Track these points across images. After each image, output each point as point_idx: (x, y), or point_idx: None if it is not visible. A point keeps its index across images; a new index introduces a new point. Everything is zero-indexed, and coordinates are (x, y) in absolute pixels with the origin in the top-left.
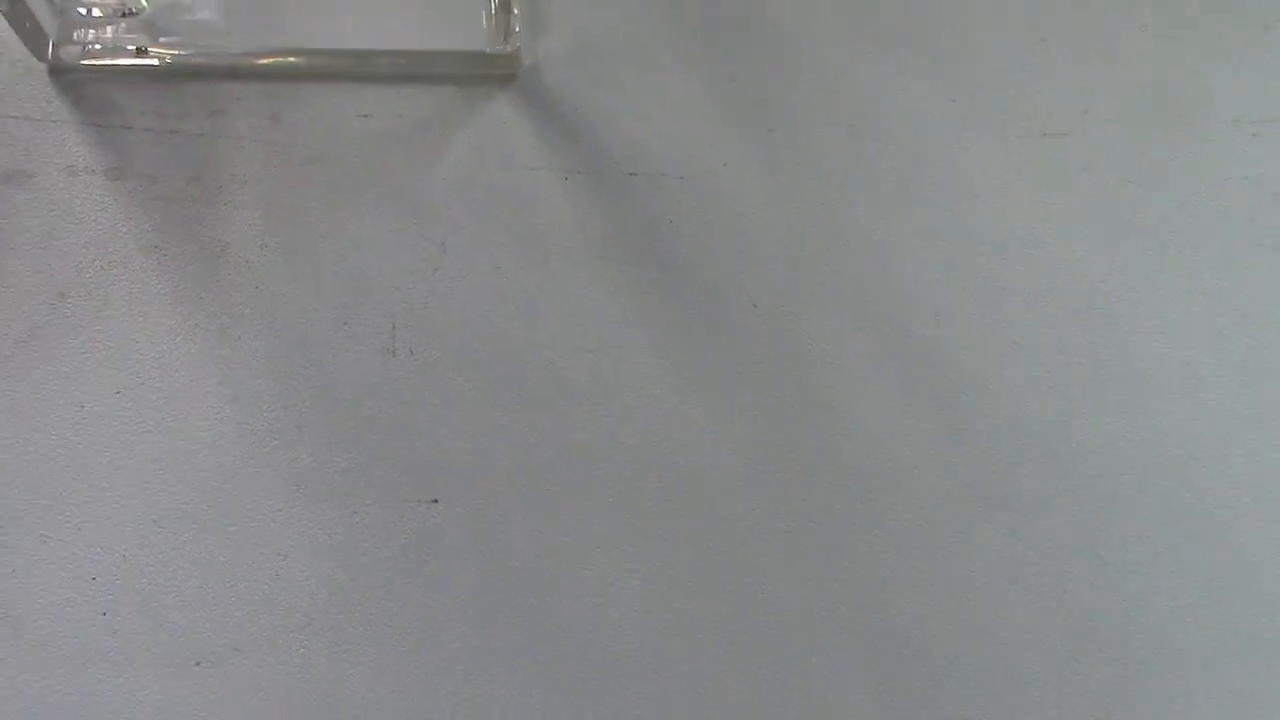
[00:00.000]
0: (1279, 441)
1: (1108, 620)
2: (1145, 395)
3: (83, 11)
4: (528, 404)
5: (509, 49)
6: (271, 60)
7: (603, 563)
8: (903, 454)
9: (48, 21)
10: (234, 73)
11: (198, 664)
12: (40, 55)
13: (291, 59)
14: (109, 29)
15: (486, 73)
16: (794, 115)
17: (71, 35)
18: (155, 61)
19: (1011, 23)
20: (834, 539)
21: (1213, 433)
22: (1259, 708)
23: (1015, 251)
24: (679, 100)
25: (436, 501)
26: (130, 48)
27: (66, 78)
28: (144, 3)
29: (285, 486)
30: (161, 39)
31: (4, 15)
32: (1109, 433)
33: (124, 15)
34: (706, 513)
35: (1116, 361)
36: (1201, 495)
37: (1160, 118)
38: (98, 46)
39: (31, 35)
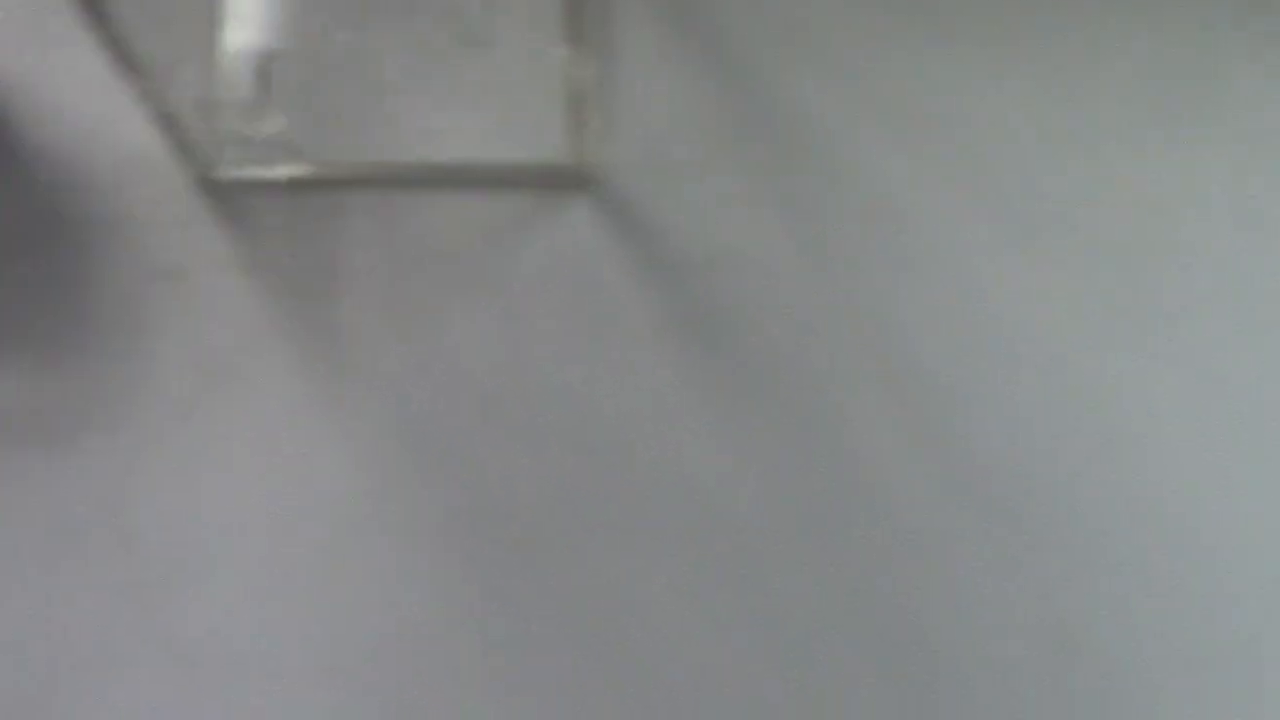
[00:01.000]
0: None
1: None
2: (1133, 451)
3: (227, 134)
4: (599, 454)
5: (585, 161)
6: (383, 173)
7: (663, 593)
8: (912, 490)
9: (199, 141)
10: (352, 183)
11: (328, 670)
12: (191, 169)
13: (401, 171)
14: (249, 148)
15: (566, 180)
16: (823, 208)
17: (218, 152)
18: (287, 174)
19: (1014, 122)
20: (854, 567)
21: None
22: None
23: (1013, 320)
24: (727, 199)
25: (523, 541)
26: (267, 163)
27: (213, 188)
28: (279, 126)
29: (394, 533)
30: (293, 156)
31: (166, 138)
32: (1107, 488)
33: (261, 138)
34: (746, 559)
35: (1105, 419)
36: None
37: (1145, 208)
38: (239, 162)
39: (185, 154)
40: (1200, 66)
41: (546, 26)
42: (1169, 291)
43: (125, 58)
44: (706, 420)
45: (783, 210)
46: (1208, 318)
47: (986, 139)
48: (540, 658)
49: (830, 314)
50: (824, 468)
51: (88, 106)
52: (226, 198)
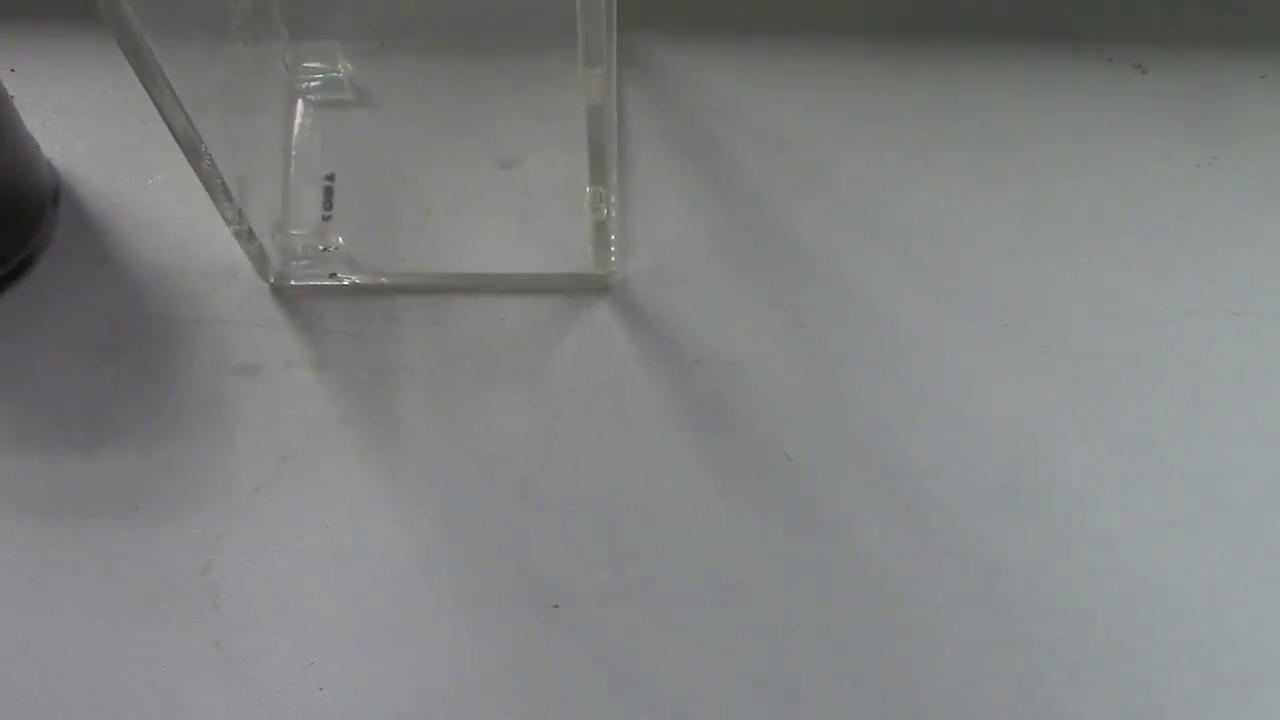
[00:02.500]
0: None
1: None
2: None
3: (296, 247)
4: (621, 527)
5: (605, 270)
6: (431, 280)
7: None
8: (903, 574)
9: (272, 253)
10: (404, 290)
11: (385, 711)
12: (265, 277)
13: (446, 279)
14: (315, 259)
15: (589, 287)
16: (818, 313)
17: (288, 263)
18: (347, 282)
19: (992, 238)
20: (844, 626)
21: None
22: None
23: (993, 423)
24: (732, 304)
25: (557, 606)
26: (329, 273)
27: (284, 294)
28: (339, 241)
29: (444, 598)
30: (352, 266)
31: (245, 251)
32: (1084, 579)
33: (324, 250)
34: (754, 622)
35: (1083, 512)
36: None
37: (1114, 309)
38: (306, 272)
39: (259, 263)
40: (1170, 183)
41: (574, 152)
42: (1141, 392)
43: (212, 181)
44: (715, 498)
45: (778, 315)
46: (1185, 418)
47: (967, 254)
48: (570, 707)
49: (821, 407)
50: (818, 541)
51: (180, 221)
52: (296, 302)
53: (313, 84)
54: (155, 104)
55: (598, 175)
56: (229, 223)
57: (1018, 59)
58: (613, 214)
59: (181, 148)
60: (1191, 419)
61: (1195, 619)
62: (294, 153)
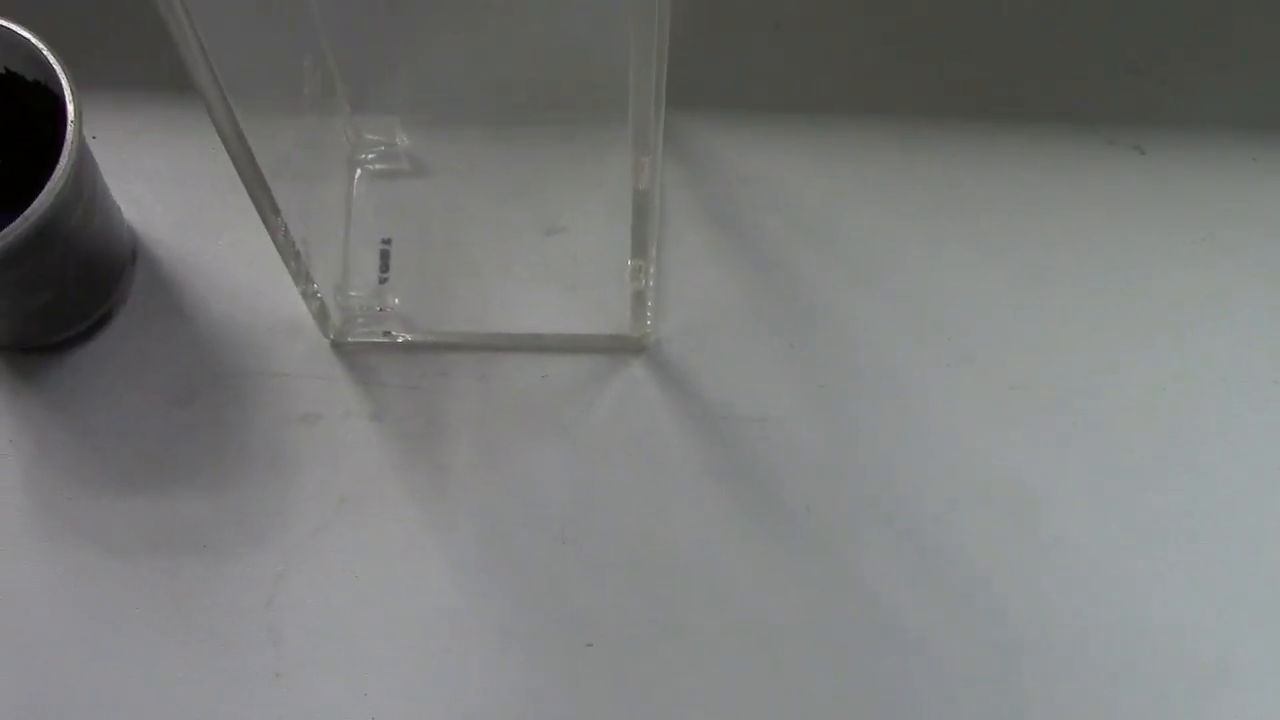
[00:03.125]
0: None
1: None
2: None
3: (355, 306)
4: (653, 572)
5: (641, 333)
6: (479, 339)
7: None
8: (914, 619)
9: (333, 311)
10: (454, 348)
11: None
12: (326, 334)
13: (493, 338)
14: (372, 318)
15: (626, 347)
16: (837, 376)
17: (347, 321)
18: (402, 340)
19: (1001, 299)
20: (866, 684)
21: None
22: None
23: (995, 479)
24: (757, 365)
25: (591, 645)
26: (385, 331)
27: (343, 350)
28: (395, 301)
29: (489, 634)
30: (407, 325)
31: (308, 308)
32: (1092, 626)
33: (381, 310)
34: (773, 665)
35: (1085, 559)
36: None
37: (1111, 375)
38: (364, 329)
39: (321, 320)
40: (1167, 259)
41: (616, 220)
42: (1136, 454)
43: (282, 243)
44: (739, 545)
45: (800, 377)
46: (1176, 479)
47: (976, 321)
48: None
49: (839, 462)
50: (835, 588)
51: (247, 280)
52: (354, 358)
53: (372, 155)
54: (238, 172)
55: (639, 250)
56: (295, 282)
57: (1026, 140)
58: (650, 283)
59: (259, 212)
60: (1180, 481)
61: (1209, 679)
62: (354, 218)
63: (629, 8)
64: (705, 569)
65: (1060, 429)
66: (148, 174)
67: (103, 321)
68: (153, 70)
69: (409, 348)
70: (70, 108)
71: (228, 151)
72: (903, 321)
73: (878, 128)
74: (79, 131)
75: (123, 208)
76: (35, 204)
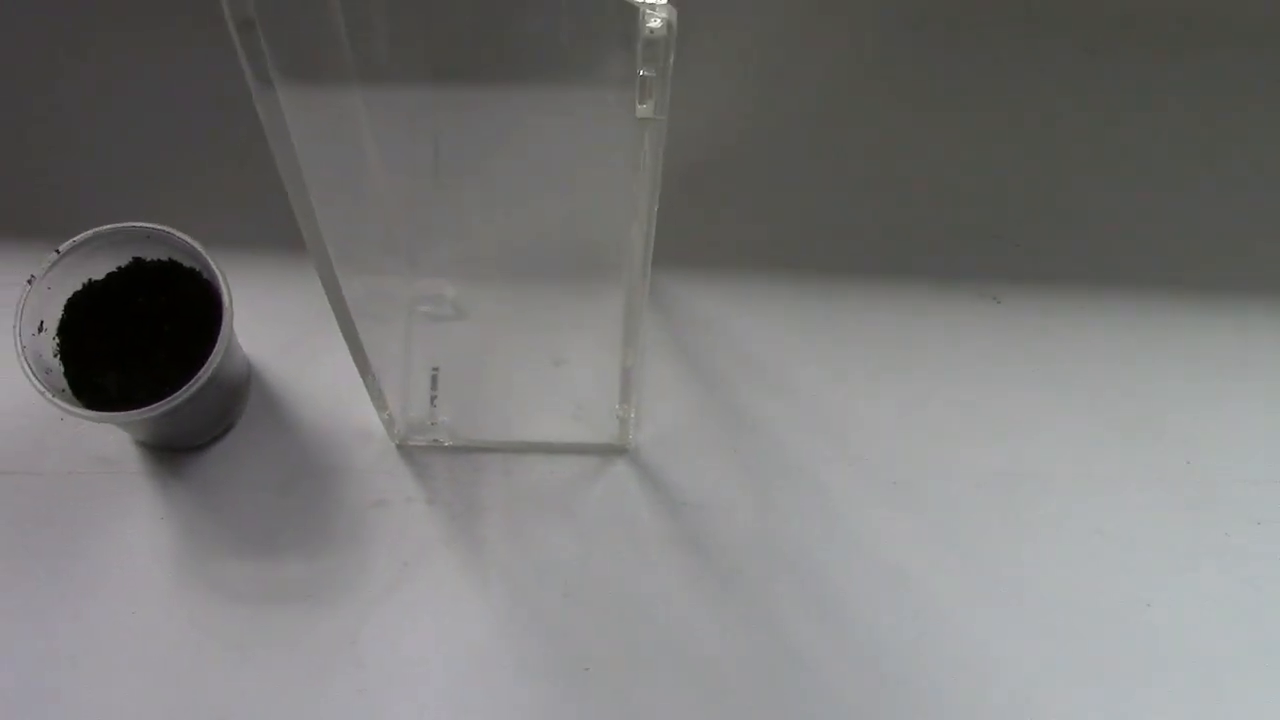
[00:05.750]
0: None
1: None
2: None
3: (413, 419)
4: (635, 623)
5: (625, 442)
6: (504, 444)
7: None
8: (820, 655)
9: (397, 422)
10: (486, 450)
11: None
12: (392, 439)
13: (514, 444)
14: (425, 429)
15: (613, 452)
16: (770, 475)
17: (407, 430)
18: (448, 444)
19: (888, 414)
20: (780, 702)
21: None
22: None
23: (882, 555)
24: (710, 466)
25: (588, 669)
26: (434, 438)
27: (405, 451)
28: (443, 416)
29: (510, 666)
30: (451, 434)
31: (380, 420)
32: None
33: (432, 422)
34: (715, 685)
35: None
36: None
37: (974, 473)
38: (419, 436)
39: (389, 428)
40: (1015, 385)
41: (608, 354)
42: (986, 527)
43: (362, 370)
44: (695, 599)
45: (742, 475)
46: (1018, 549)
47: (874, 433)
48: None
49: (765, 536)
50: (763, 630)
51: (333, 397)
52: (413, 457)
53: (425, 304)
54: (335, 317)
55: (625, 397)
56: (371, 400)
57: (913, 292)
58: (633, 415)
59: (349, 347)
60: (1016, 550)
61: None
62: (411, 352)
63: (625, 206)
64: (669, 615)
65: (927, 512)
66: (258, 314)
67: (227, 429)
68: (261, 234)
69: (453, 450)
70: (225, 298)
71: (330, 302)
72: (816, 432)
73: (803, 284)
74: (230, 316)
75: (241, 341)
76: (197, 376)
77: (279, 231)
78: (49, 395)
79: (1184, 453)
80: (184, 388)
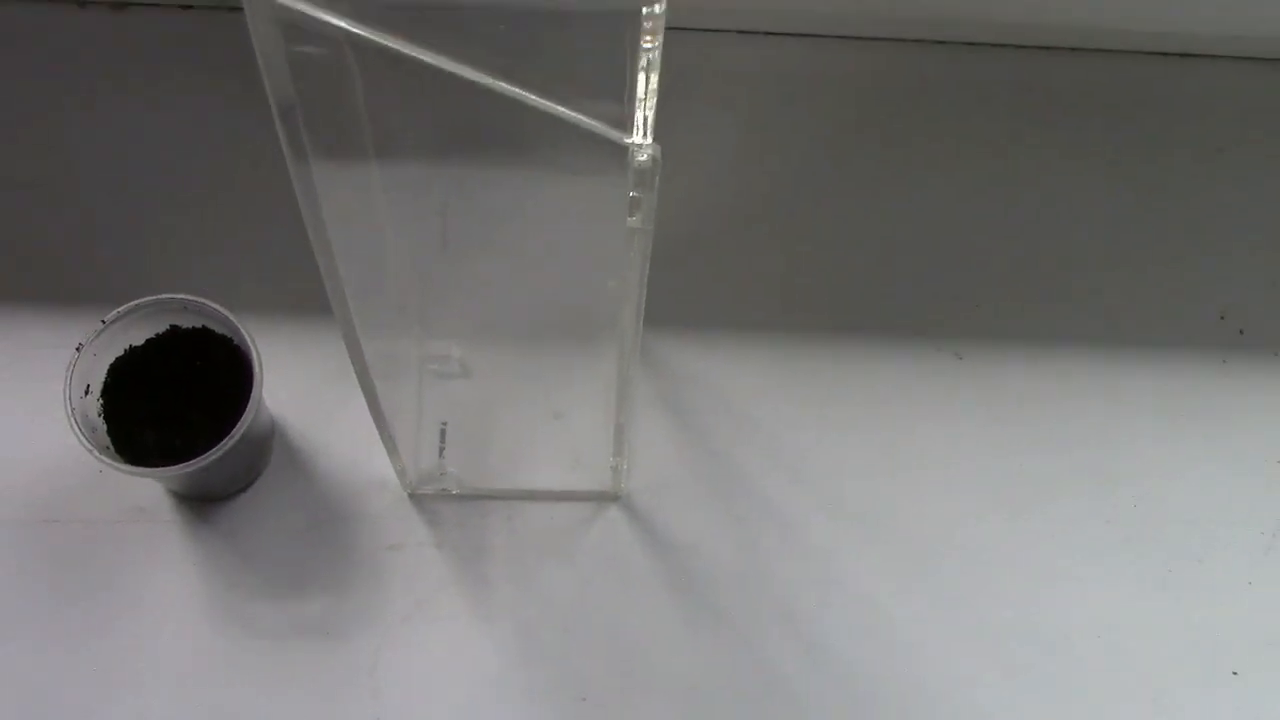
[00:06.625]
0: None
1: None
2: None
3: (423, 469)
4: (625, 654)
5: (618, 489)
6: (508, 492)
7: None
8: (794, 680)
9: (410, 472)
10: (491, 497)
11: None
12: (405, 488)
13: (517, 492)
14: (435, 478)
15: (607, 498)
16: (751, 520)
17: (418, 479)
18: (456, 492)
19: (861, 463)
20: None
21: None
22: None
23: (853, 588)
24: (696, 511)
25: (585, 699)
26: (443, 488)
27: (416, 499)
28: (451, 468)
29: (516, 693)
30: (458, 483)
31: (394, 470)
32: None
33: (441, 473)
34: (701, 708)
35: None
36: None
37: (938, 521)
38: (430, 486)
39: (402, 478)
40: (977, 437)
41: (603, 408)
42: (946, 565)
43: (379, 424)
44: (682, 630)
45: (725, 519)
46: (974, 583)
47: (841, 475)
48: None
49: (747, 573)
50: (743, 658)
51: (350, 449)
52: (424, 504)
53: (434, 363)
54: (356, 376)
55: (618, 448)
56: (386, 452)
57: (882, 348)
58: (625, 465)
59: (367, 404)
60: (972, 584)
61: None
62: (422, 408)
63: (618, 275)
64: (659, 645)
65: (896, 552)
66: (279, 372)
67: (253, 480)
68: (281, 299)
69: (460, 498)
70: (255, 365)
71: (351, 362)
72: (793, 478)
73: (782, 342)
74: (260, 383)
75: (264, 396)
76: (230, 435)
77: (298, 296)
78: (96, 453)
79: (1130, 495)
80: (216, 446)
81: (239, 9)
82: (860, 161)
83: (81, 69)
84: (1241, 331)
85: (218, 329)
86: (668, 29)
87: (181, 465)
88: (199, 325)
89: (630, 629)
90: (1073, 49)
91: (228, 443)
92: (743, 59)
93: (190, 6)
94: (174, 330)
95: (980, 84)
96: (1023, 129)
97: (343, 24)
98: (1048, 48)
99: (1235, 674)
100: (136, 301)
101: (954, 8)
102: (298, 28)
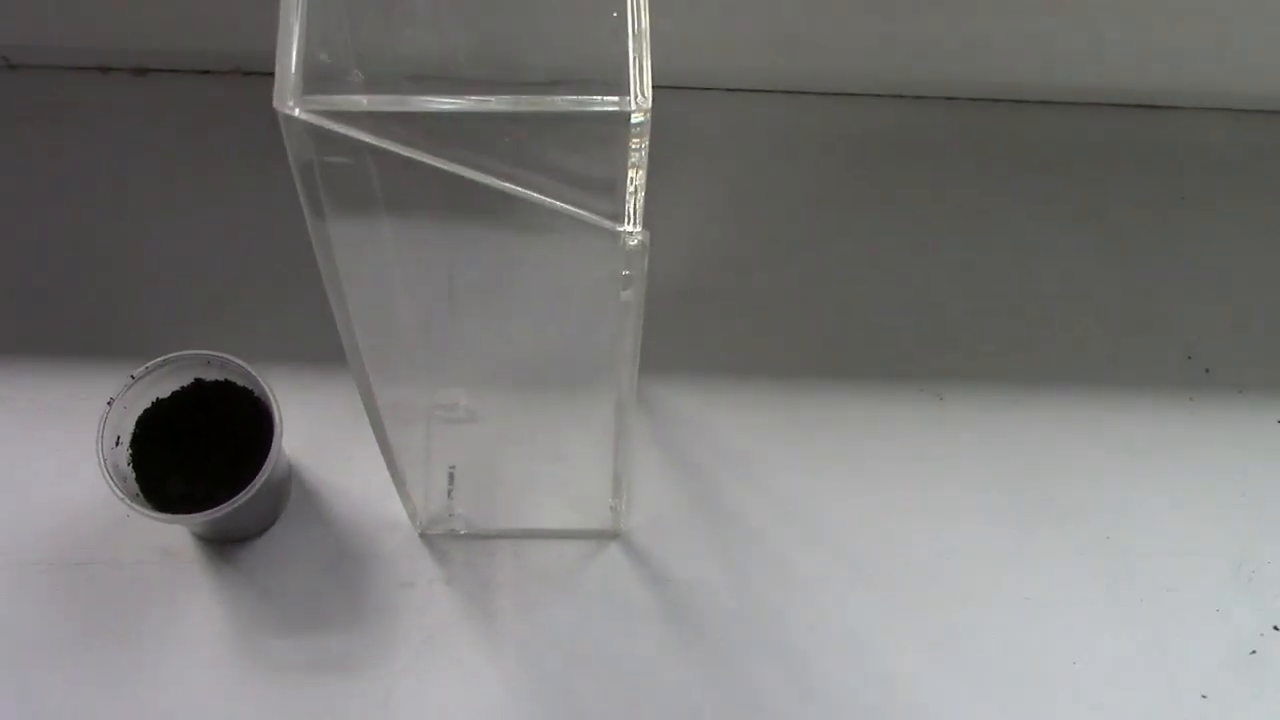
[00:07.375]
0: None
1: None
2: None
3: (434, 511)
4: (625, 685)
5: (617, 528)
6: (514, 532)
7: None
8: (784, 704)
9: (421, 513)
10: (497, 536)
11: None
12: (416, 528)
13: (521, 531)
14: (444, 519)
15: (607, 536)
16: (745, 558)
17: (429, 520)
18: (464, 532)
19: (842, 501)
20: None
21: None
22: None
23: (837, 619)
24: (692, 548)
25: None
26: (452, 528)
27: (427, 538)
28: (459, 511)
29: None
30: (467, 524)
31: (405, 511)
32: None
33: (450, 514)
34: None
35: None
36: None
37: (921, 551)
38: (440, 526)
39: (414, 519)
40: (956, 478)
41: (602, 450)
42: (926, 597)
43: (392, 468)
44: (678, 660)
45: (720, 557)
46: (952, 614)
47: (826, 512)
48: None
49: (740, 605)
50: (735, 685)
51: (364, 492)
52: (434, 543)
53: (442, 410)
54: (371, 425)
55: (617, 489)
56: (398, 494)
57: (868, 390)
58: (624, 505)
59: (380, 449)
60: (948, 614)
61: None
62: (431, 453)
63: (616, 325)
64: (658, 677)
65: (882, 586)
66: (295, 419)
67: (272, 522)
68: (294, 350)
69: (469, 537)
70: (276, 417)
71: (365, 409)
72: (784, 517)
73: (773, 386)
74: (280, 434)
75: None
76: (252, 484)
77: (314, 346)
78: (126, 500)
79: (1104, 529)
80: (239, 494)
81: (254, 73)
82: (843, 213)
83: (105, 132)
84: (1208, 371)
85: (239, 382)
86: (665, 88)
87: (206, 512)
88: (222, 379)
89: (630, 660)
90: (1042, 102)
91: (250, 490)
92: (732, 115)
93: (208, 72)
94: (198, 384)
95: (956, 137)
96: (997, 179)
97: (362, 137)
98: (1018, 101)
99: (1204, 697)
100: (163, 357)
101: (928, 65)
102: (328, 140)
